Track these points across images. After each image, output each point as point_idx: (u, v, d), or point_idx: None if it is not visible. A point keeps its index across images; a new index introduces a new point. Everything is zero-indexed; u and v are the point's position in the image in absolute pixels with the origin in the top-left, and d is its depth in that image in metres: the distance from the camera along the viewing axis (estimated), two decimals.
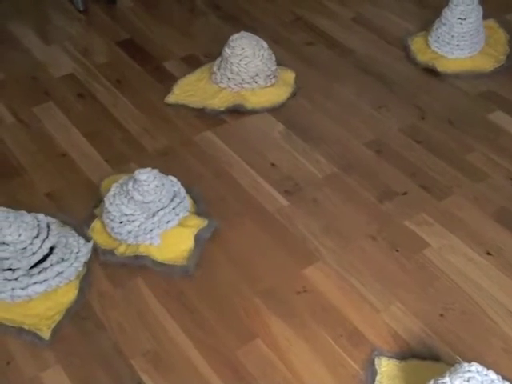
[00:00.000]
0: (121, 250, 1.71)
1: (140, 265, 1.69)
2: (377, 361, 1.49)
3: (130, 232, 1.71)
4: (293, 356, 1.51)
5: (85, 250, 1.70)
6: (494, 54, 2.44)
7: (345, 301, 1.63)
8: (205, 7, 2.79)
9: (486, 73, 2.37)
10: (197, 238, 1.74)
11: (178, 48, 2.52)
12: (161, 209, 1.72)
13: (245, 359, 1.50)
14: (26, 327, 1.55)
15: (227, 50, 2.21)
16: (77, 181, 1.95)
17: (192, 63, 2.43)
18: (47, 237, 1.63)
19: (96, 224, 1.78)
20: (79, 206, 1.86)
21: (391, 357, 1.50)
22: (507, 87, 2.33)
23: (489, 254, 1.74)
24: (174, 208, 1.74)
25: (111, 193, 1.74)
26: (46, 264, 1.61)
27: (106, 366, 1.49)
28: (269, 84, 2.25)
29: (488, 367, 1.31)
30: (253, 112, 2.20)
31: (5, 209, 1.61)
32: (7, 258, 1.58)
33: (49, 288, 1.60)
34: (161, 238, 1.72)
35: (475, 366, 1.29)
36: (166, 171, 1.93)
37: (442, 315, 1.60)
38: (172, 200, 1.75)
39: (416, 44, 2.47)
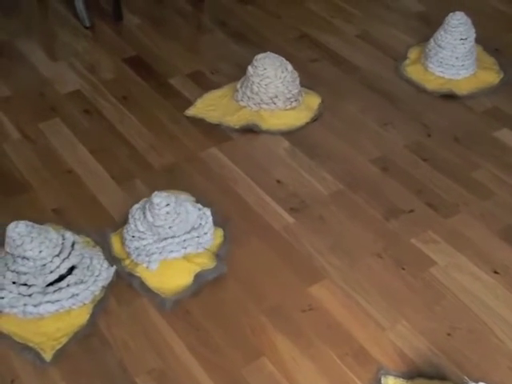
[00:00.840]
0: (126, 262, 1.72)
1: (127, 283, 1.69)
2: (383, 380, 1.48)
3: (136, 248, 1.71)
4: (299, 375, 1.50)
5: (105, 275, 1.67)
6: (489, 67, 2.46)
7: (351, 319, 1.62)
8: (211, 24, 2.80)
9: (494, 86, 2.39)
10: (198, 277, 1.69)
11: (184, 64, 2.53)
12: (170, 237, 1.71)
13: (250, 378, 1.49)
14: (30, 345, 1.54)
15: (250, 69, 2.20)
16: (83, 197, 1.95)
17: (198, 80, 2.44)
18: (68, 256, 1.61)
19: (121, 230, 1.78)
20: (85, 223, 1.85)
21: (398, 376, 1.49)
22: None
23: (496, 272, 1.74)
24: (184, 240, 1.71)
25: (137, 205, 1.74)
26: (63, 284, 1.60)
27: (111, 383, 1.48)
28: (288, 107, 2.23)
29: None
30: (267, 133, 2.19)
31: (31, 223, 1.60)
32: (25, 273, 1.57)
33: (61, 309, 1.58)
34: (159, 266, 1.69)
35: None
36: (171, 188, 1.94)
37: (449, 334, 1.59)
38: (188, 232, 1.73)
39: (416, 74, 2.44)
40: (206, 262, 1.72)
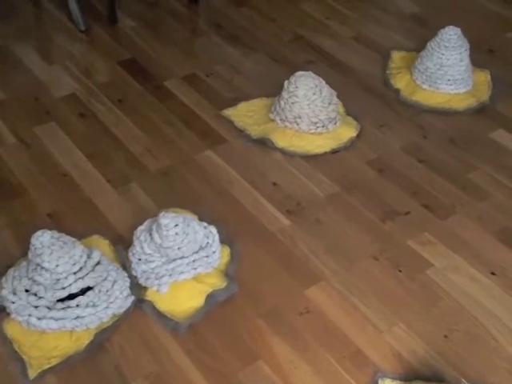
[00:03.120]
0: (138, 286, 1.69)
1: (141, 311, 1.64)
2: (380, 382, 1.48)
3: (143, 272, 1.67)
4: (296, 378, 1.50)
5: (119, 303, 1.61)
6: (480, 71, 2.46)
7: (348, 321, 1.62)
8: (206, 27, 2.80)
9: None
10: (209, 298, 1.64)
11: (179, 67, 2.53)
12: (179, 258, 1.67)
13: (247, 381, 1.49)
14: (23, 357, 1.51)
15: (285, 84, 2.15)
16: (78, 201, 1.94)
17: (193, 82, 2.44)
18: (84, 277, 1.56)
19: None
20: (81, 226, 1.85)
21: (395, 378, 1.49)
22: (508, 105, 2.33)
23: (493, 273, 1.74)
24: (194, 261, 1.68)
25: (142, 227, 1.71)
26: (73, 303, 1.55)
27: None
28: (312, 131, 2.14)
29: None
30: (280, 151, 2.13)
31: (60, 235, 1.57)
32: (39, 284, 1.54)
33: (63, 328, 1.54)
34: (170, 288, 1.64)
35: None
36: (167, 191, 1.94)
37: (446, 336, 1.59)
38: (196, 252, 1.69)
39: (418, 95, 2.36)
40: (217, 282, 1.68)
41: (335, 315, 1.63)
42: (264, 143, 2.13)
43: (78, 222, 1.87)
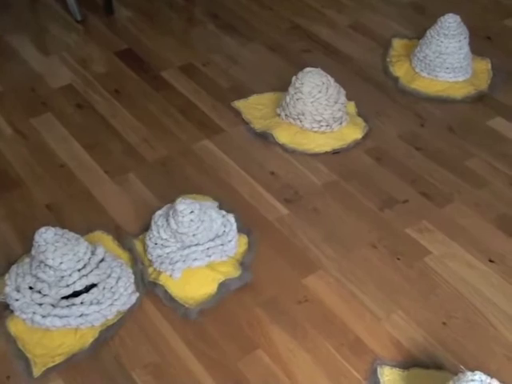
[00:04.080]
0: (149, 270, 1.69)
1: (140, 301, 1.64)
2: (379, 370, 1.48)
3: (159, 256, 1.67)
4: (295, 366, 1.50)
5: (124, 300, 1.59)
6: (481, 60, 2.45)
7: (346, 310, 1.62)
8: (203, 16, 2.79)
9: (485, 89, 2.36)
10: (222, 286, 1.64)
11: (175, 57, 2.52)
12: (194, 244, 1.67)
13: (247, 370, 1.49)
14: (27, 355, 1.51)
15: (293, 79, 2.12)
16: (76, 192, 1.94)
17: (190, 72, 2.43)
18: (88, 274, 1.55)
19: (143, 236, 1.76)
20: (79, 217, 1.85)
21: (394, 366, 1.49)
22: (506, 93, 2.32)
23: (491, 261, 1.74)
24: (208, 248, 1.67)
25: (160, 211, 1.71)
26: (77, 301, 1.54)
27: (107, 378, 1.48)
28: (315, 129, 2.10)
29: (491, 375, 1.30)
30: (281, 147, 2.10)
31: (63, 231, 1.56)
32: (43, 281, 1.53)
33: (68, 325, 1.53)
34: (183, 274, 1.64)
35: (478, 375, 1.28)
36: (165, 181, 1.94)
37: (444, 323, 1.59)
38: (212, 240, 1.69)
39: (417, 83, 2.35)
40: (231, 271, 1.67)
41: (334, 303, 1.63)
42: (266, 137, 2.12)
43: (77, 212, 1.87)
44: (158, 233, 1.68)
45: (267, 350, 1.53)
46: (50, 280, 1.53)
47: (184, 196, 1.78)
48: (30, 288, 1.56)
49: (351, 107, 2.23)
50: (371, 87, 2.37)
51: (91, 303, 1.55)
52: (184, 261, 1.66)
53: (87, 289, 1.56)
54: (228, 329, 1.58)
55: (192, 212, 1.63)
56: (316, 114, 2.09)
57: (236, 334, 1.57)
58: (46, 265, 1.52)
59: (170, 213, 1.66)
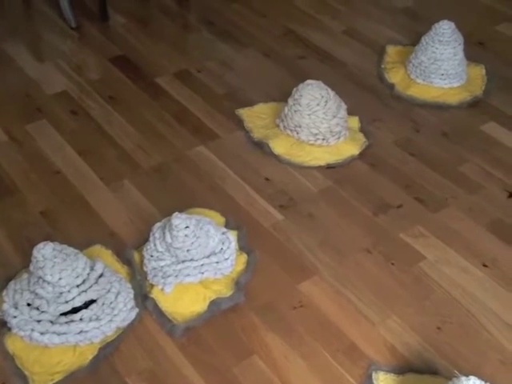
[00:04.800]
0: (146, 283, 1.67)
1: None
2: (374, 375, 1.48)
3: (153, 269, 1.66)
4: (290, 372, 1.50)
5: (124, 316, 1.57)
6: (475, 66, 2.46)
7: (341, 315, 1.62)
8: (197, 23, 2.80)
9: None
10: (212, 305, 1.62)
11: (170, 64, 2.52)
12: (188, 260, 1.66)
13: (242, 376, 1.49)
14: (25, 373, 1.48)
15: (293, 91, 2.10)
16: (71, 199, 1.94)
17: (185, 79, 2.44)
18: (87, 290, 1.53)
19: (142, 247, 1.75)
20: (74, 224, 1.85)
21: (389, 371, 1.49)
22: (500, 98, 2.33)
23: (485, 265, 1.74)
24: (202, 265, 1.66)
25: (159, 224, 1.70)
26: (76, 317, 1.52)
27: None
28: (311, 142, 2.08)
29: (485, 380, 1.31)
30: (276, 158, 2.08)
31: (62, 247, 1.54)
32: (41, 297, 1.51)
33: (66, 343, 1.51)
34: (175, 289, 1.63)
35: (473, 380, 1.29)
36: (160, 187, 1.94)
37: (438, 328, 1.59)
38: (207, 257, 1.67)
39: (412, 89, 2.36)
40: (223, 290, 1.66)
41: (329, 309, 1.64)
42: (261, 147, 2.11)
43: (71, 219, 1.87)
44: (155, 245, 1.67)
45: (262, 356, 1.53)
46: (48, 296, 1.50)
47: (190, 210, 1.80)
48: (28, 305, 1.53)
49: (354, 122, 2.20)
50: (366, 93, 2.38)
51: (90, 319, 1.53)
52: (176, 276, 1.64)
53: (86, 305, 1.54)
54: (223, 334, 1.58)
55: (187, 227, 1.62)
56: (312, 127, 2.07)
57: (231, 340, 1.57)
58: (44, 281, 1.50)
59: (166, 226, 1.65)
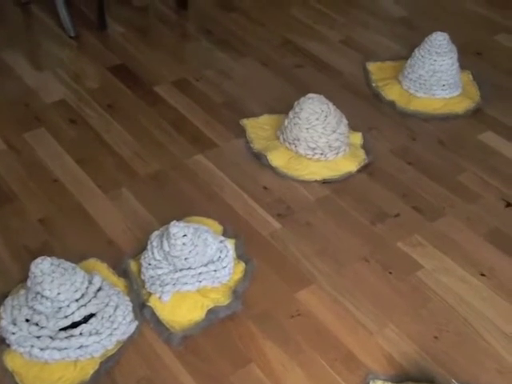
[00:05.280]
0: (143, 292, 1.67)
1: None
2: None
3: (151, 277, 1.66)
4: (287, 381, 1.50)
5: (123, 329, 1.56)
6: (462, 72, 2.46)
7: (339, 324, 1.62)
8: (196, 32, 2.81)
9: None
10: (210, 313, 1.61)
11: (169, 72, 2.53)
12: (186, 268, 1.65)
13: None
14: None
15: (294, 104, 2.09)
16: (69, 207, 1.94)
17: (183, 87, 2.44)
18: (86, 304, 1.51)
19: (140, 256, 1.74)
20: (71, 232, 1.85)
21: (386, 380, 1.49)
22: (496, 108, 2.34)
23: (482, 274, 1.75)
24: (200, 273, 1.65)
25: (157, 232, 1.69)
26: (76, 332, 1.50)
27: None
28: (309, 156, 2.07)
29: None
30: (274, 170, 2.08)
31: (60, 261, 1.52)
32: (40, 313, 1.49)
33: (67, 358, 1.49)
34: (172, 298, 1.62)
35: None
36: (158, 196, 1.94)
37: (436, 337, 1.59)
38: (205, 265, 1.67)
39: (414, 103, 2.35)
40: (220, 298, 1.65)
41: (326, 318, 1.64)
42: (259, 158, 2.11)
43: (69, 227, 1.87)
44: (153, 253, 1.67)
45: (260, 365, 1.53)
46: (47, 311, 1.49)
47: (188, 218, 1.79)
48: (27, 320, 1.52)
49: (356, 138, 2.18)
50: (363, 102, 2.39)
51: (90, 334, 1.51)
52: (174, 284, 1.64)
53: (86, 319, 1.53)
54: (220, 343, 1.58)
55: (185, 235, 1.62)
56: (310, 141, 2.06)
57: (229, 348, 1.57)
58: (42, 296, 1.48)
59: (164, 234, 1.65)
